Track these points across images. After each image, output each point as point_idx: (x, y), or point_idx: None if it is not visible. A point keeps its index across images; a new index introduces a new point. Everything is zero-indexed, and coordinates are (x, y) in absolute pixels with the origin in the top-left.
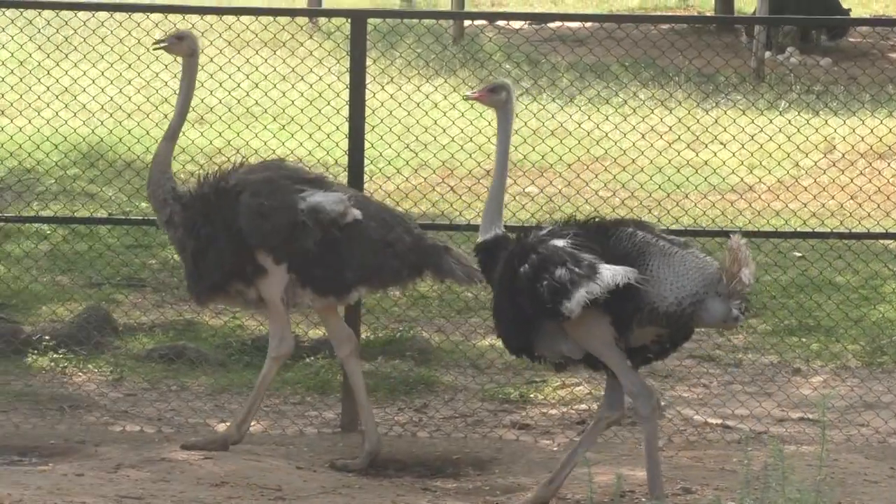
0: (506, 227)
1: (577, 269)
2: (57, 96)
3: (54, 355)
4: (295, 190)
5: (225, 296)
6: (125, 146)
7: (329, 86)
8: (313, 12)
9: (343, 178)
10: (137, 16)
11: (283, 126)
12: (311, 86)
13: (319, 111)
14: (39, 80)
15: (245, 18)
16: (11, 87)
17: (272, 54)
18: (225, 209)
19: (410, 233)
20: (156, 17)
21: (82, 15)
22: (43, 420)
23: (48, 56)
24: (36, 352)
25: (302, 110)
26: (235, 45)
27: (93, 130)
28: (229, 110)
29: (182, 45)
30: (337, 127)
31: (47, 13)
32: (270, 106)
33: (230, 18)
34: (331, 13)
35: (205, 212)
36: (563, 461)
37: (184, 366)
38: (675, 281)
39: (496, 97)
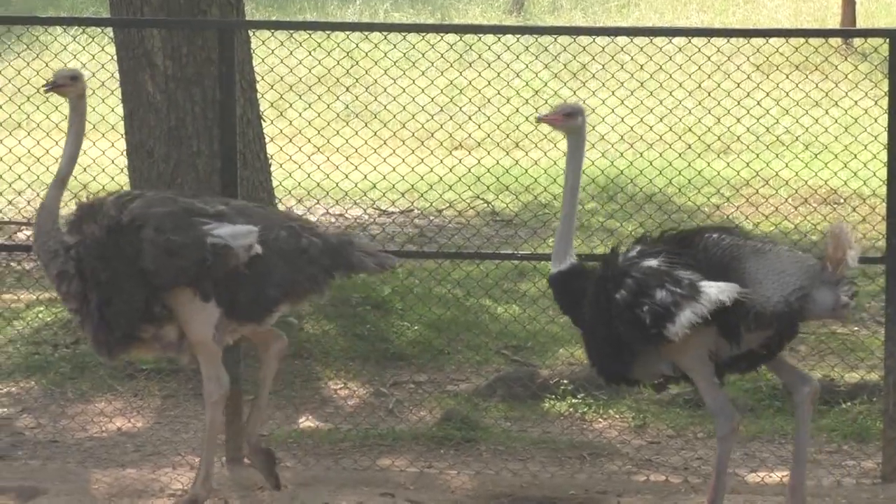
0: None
1: (678, 290)
2: None
3: (573, 400)
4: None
5: (140, 344)
6: (646, 178)
7: (866, 111)
8: (848, 32)
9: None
10: (659, 40)
11: (816, 155)
12: (845, 111)
13: (855, 138)
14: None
15: (775, 41)
16: (526, 118)
17: (803, 78)
18: (127, 248)
19: (317, 234)
20: (679, 41)
21: (600, 40)
22: (562, 469)
23: (565, 84)
24: (553, 396)
25: (836, 138)
26: (764, 70)
27: (612, 162)
28: (757, 139)
29: (76, 86)
30: (874, 155)
31: (564, 39)
32: (802, 133)
33: (758, 41)
34: (867, 33)
35: (104, 255)
36: (792, 466)
37: None
38: (775, 279)
39: (571, 122)
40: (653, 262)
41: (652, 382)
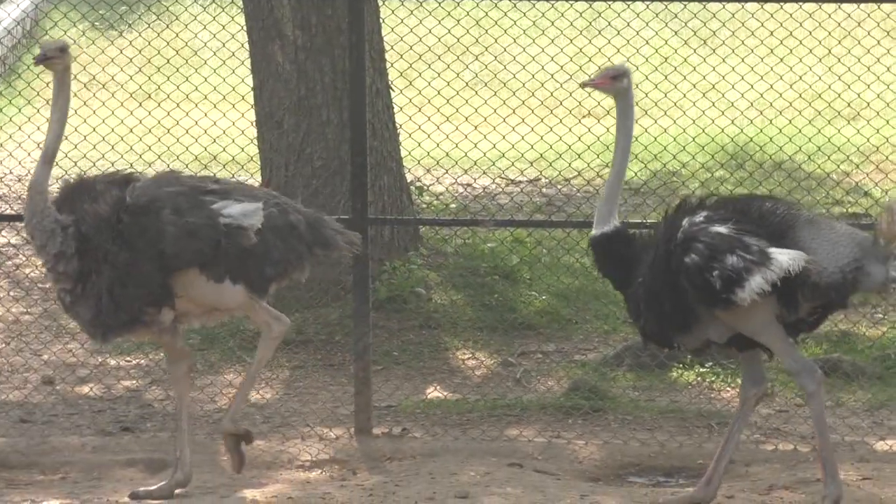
0: None
1: (749, 256)
2: (704, 94)
3: (700, 369)
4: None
5: (141, 327)
6: (775, 145)
7: None
8: None
9: None
10: (789, 6)
11: None
12: None
13: None
14: (685, 77)
15: None
16: (656, 86)
17: None
18: (148, 229)
19: (298, 210)
20: (809, 7)
21: (730, 7)
22: (690, 438)
23: (694, 51)
24: (681, 366)
25: None
26: (893, 36)
27: (741, 130)
28: (887, 105)
29: (64, 59)
30: None
31: (693, 6)
32: None
33: (889, 7)
34: None
35: (119, 236)
36: (717, 455)
37: (839, 380)
38: (831, 250)
39: (618, 84)
40: (722, 228)
41: (694, 347)
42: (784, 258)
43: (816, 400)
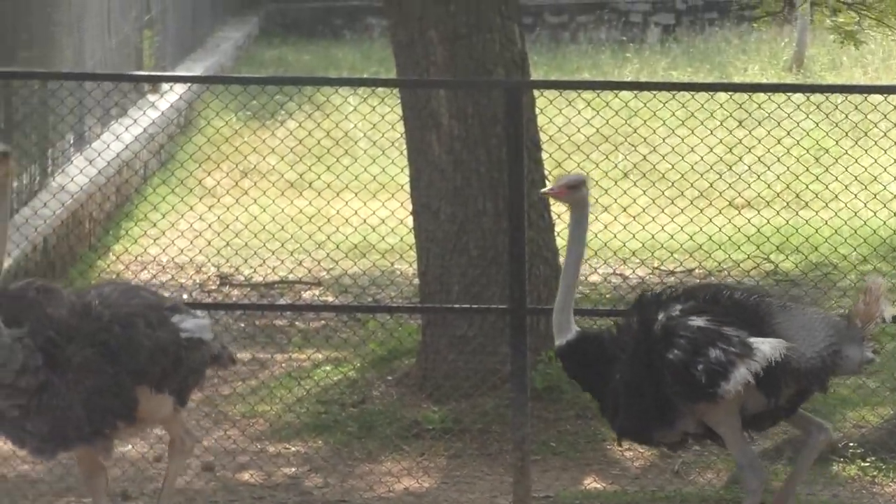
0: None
1: (731, 349)
2: (865, 186)
3: (862, 463)
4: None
5: (101, 440)
6: None
7: None
8: None
9: None
10: None
11: None
12: None
13: None
14: (846, 168)
15: None
16: (816, 178)
17: None
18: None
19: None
20: None
21: (892, 98)
22: None
23: (856, 143)
24: (842, 459)
25: None
26: None
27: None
28: None
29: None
30: None
31: (854, 97)
32: None
33: None
34: None
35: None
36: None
37: None
38: (807, 335)
39: (576, 194)
40: (699, 321)
41: (672, 441)
42: (766, 347)
43: (755, 498)
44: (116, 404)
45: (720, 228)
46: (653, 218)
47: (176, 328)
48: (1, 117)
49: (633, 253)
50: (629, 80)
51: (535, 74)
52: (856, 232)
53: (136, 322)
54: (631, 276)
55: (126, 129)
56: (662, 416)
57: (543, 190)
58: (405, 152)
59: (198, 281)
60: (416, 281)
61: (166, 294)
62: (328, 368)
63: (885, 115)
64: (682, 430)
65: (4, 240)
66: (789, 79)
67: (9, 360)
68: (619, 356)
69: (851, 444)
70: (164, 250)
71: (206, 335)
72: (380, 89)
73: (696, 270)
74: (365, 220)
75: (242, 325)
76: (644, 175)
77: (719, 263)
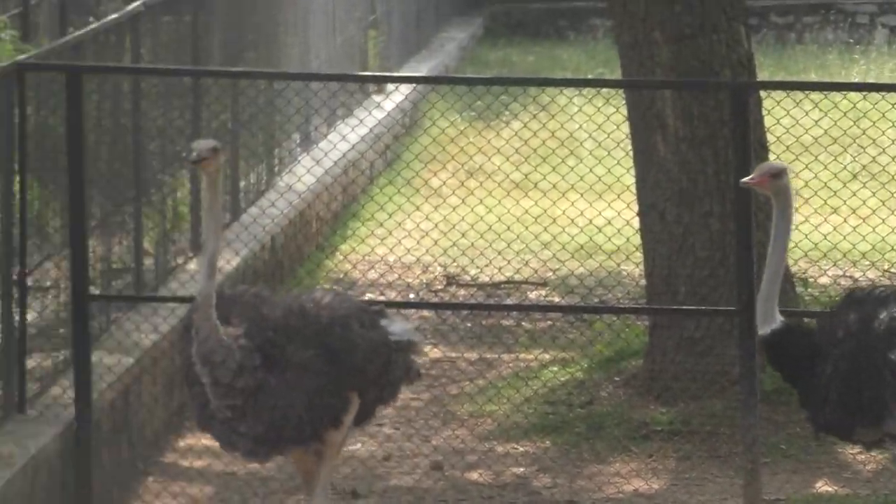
0: None
1: None
2: None
3: None
4: None
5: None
6: None
7: None
8: None
9: None
10: None
11: None
12: None
13: None
14: None
15: None
16: None
17: None
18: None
19: None
20: None
21: None
22: None
23: None
24: None
25: None
26: None
27: None
28: None
29: (216, 160)
30: None
31: None
32: None
33: None
34: None
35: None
36: None
37: None
38: None
39: (778, 182)
40: None
41: (871, 441)
42: None
43: None
44: (333, 405)
45: None
46: (883, 220)
47: (385, 331)
48: (228, 117)
49: (863, 255)
50: (857, 81)
51: (761, 75)
52: None
53: (351, 324)
54: (861, 279)
55: (352, 129)
56: (872, 413)
57: (745, 179)
58: (630, 153)
59: (424, 280)
60: (643, 282)
61: (393, 294)
62: (555, 369)
63: None
64: (886, 430)
65: (219, 236)
66: None
67: (227, 359)
68: (829, 350)
69: None
70: (391, 250)
71: (415, 337)
72: (605, 90)
73: None
74: (591, 221)
75: (469, 324)
76: (873, 177)
77: None
